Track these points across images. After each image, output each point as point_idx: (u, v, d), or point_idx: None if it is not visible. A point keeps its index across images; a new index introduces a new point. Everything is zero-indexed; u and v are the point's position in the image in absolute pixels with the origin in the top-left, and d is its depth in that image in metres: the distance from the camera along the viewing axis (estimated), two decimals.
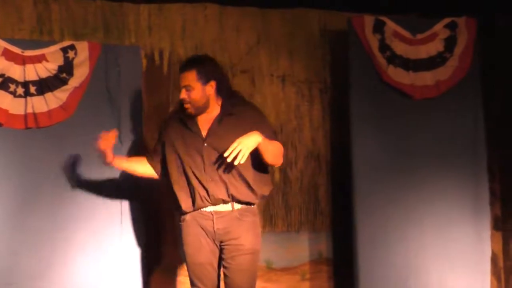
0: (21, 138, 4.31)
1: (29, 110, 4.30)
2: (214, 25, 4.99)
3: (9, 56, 4.29)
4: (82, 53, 4.43)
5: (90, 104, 4.43)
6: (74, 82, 4.41)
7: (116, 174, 4.42)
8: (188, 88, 3.88)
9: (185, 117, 3.96)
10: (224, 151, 3.77)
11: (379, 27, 4.89)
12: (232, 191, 3.88)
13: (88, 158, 4.38)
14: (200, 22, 4.96)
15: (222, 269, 3.96)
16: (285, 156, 4.95)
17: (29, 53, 4.33)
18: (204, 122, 3.94)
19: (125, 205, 4.44)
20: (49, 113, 4.35)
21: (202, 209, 3.91)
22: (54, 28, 4.67)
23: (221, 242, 3.92)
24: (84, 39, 4.61)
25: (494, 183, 5.19)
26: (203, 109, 3.93)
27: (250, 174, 3.90)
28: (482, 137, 4.96)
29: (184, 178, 3.93)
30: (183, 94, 3.90)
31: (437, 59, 4.93)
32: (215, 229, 3.89)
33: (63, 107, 4.38)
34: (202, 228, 3.91)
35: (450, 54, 4.93)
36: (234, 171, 3.86)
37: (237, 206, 3.91)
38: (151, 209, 4.56)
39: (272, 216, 5.00)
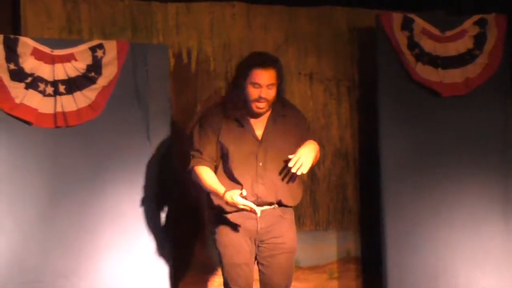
0: (50, 137, 4.32)
1: (59, 109, 4.31)
2: (242, 23, 4.97)
3: (38, 55, 4.30)
4: (111, 52, 4.43)
5: (119, 103, 4.43)
6: (103, 81, 4.41)
7: (143, 174, 4.44)
8: (271, 87, 3.77)
9: (240, 117, 3.83)
10: (279, 153, 3.74)
11: (407, 24, 4.85)
12: (281, 195, 3.82)
13: (115, 158, 4.41)
14: (228, 21, 4.95)
15: (258, 266, 3.88)
16: None
17: (58, 52, 4.33)
18: (256, 122, 3.85)
19: (153, 204, 4.44)
20: (78, 112, 4.35)
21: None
22: (83, 27, 4.68)
23: (261, 241, 3.84)
24: (112, 38, 4.61)
25: None
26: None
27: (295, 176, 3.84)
28: None
29: (231, 180, 3.81)
30: (265, 93, 3.77)
31: (467, 56, 4.88)
32: (258, 228, 3.80)
33: (92, 106, 4.38)
34: (243, 228, 3.82)
35: (480, 51, 4.88)
36: (286, 174, 3.79)
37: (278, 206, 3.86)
38: (178, 209, 4.56)
39: (300, 214, 4.98)
